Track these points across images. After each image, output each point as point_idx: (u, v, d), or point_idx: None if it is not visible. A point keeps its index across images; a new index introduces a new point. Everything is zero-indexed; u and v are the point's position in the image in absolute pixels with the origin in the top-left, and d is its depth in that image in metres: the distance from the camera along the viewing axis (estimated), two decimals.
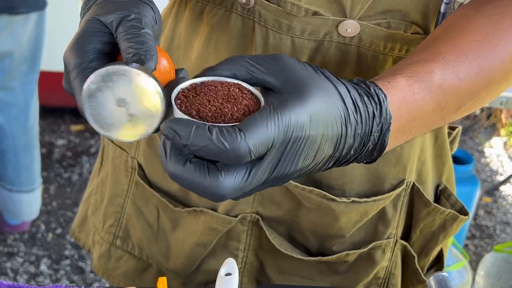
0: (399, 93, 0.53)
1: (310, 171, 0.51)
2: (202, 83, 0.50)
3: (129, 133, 0.49)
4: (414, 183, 0.77)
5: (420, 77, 0.54)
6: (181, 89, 0.50)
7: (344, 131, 0.49)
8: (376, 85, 0.52)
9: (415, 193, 0.77)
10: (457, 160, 1.99)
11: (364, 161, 0.54)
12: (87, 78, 0.48)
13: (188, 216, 0.78)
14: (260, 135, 0.45)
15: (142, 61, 0.49)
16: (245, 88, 0.50)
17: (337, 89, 0.49)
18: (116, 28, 0.52)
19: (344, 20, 0.65)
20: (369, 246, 0.76)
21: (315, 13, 0.65)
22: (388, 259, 0.79)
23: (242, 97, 0.49)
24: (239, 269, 0.77)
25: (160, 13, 0.58)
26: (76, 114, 2.88)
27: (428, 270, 0.83)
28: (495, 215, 2.60)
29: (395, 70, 0.55)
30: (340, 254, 0.76)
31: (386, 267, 0.79)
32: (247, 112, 0.48)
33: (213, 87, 0.49)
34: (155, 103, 0.48)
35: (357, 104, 0.50)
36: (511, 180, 2.79)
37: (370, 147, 0.52)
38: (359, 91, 0.50)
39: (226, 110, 0.47)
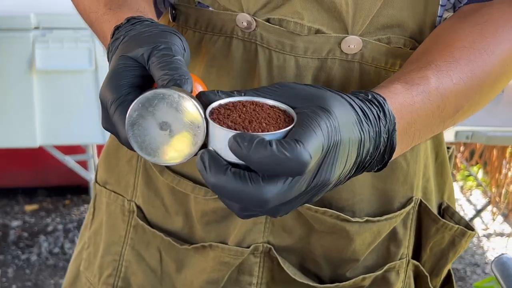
0: (398, 96, 0.55)
1: (340, 181, 0.51)
2: (231, 102, 0.51)
3: (175, 156, 0.50)
4: (421, 200, 0.76)
5: (416, 82, 0.57)
6: (212, 107, 0.51)
7: (362, 135, 0.50)
8: (374, 92, 0.54)
9: (422, 211, 0.76)
10: None
11: (376, 168, 0.55)
12: (127, 111, 0.50)
13: (195, 254, 0.75)
14: (314, 143, 0.46)
15: (178, 85, 0.51)
16: (272, 104, 0.51)
17: (345, 99, 0.51)
18: (147, 59, 0.54)
19: (347, 36, 0.66)
20: (384, 269, 0.74)
21: (317, 31, 0.66)
22: (402, 280, 0.77)
23: (273, 111, 0.50)
24: None
25: None
26: (29, 194, 2.79)
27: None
28: (464, 258, 2.61)
29: (391, 80, 0.58)
30: (356, 279, 0.73)
31: None
32: (282, 124, 0.48)
33: (242, 105, 0.51)
34: (197, 121, 0.49)
35: (364, 110, 0.51)
36: (473, 223, 2.83)
37: (381, 150, 0.53)
38: (360, 98, 0.53)
39: (264, 123, 0.48)
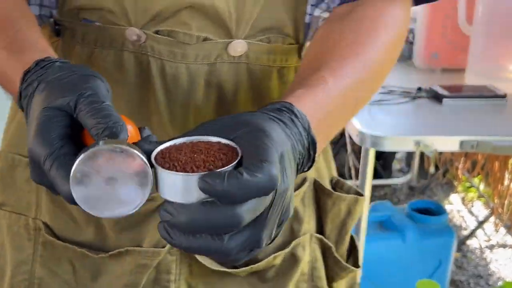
0: (303, 99, 0.60)
1: (293, 188, 0.54)
2: (174, 145, 0.52)
3: (125, 208, 0.50)
4: (315, 179, 0.82)
5: (315, 83, 0.62)
6: (157, 153, 0.51)
7: (290, 140, 0.54)
8: (280, 101, 0.58)
9: (318, 188, 0.82)
10: (429, 212, 2.00)
11: (307, 167, 0.58)
12: (63, 165, 0.50)
13: (111, 261, 0.75)
14: (274, 157, 0.49)
15: (115, 134, 0.50)
16: (215, 141, 0.52)
17: (265, 114, 0.55)
18: (74, 108, 0.54)
19: (232, 41, 0.72)
20: (291, 246, 0.79)
21: (205, 39, 0.71)
22: (308, 254, 0.81)
23: (217, 146, 0.51)
24: None
25: None
26: None
27: (348, 257, 0.86)
28: (467, 269, 2.60)
29: (292, 87, 0.63)
30: (268, 259, 0.77)
31: (309, 262, 0.81)
32: (230, 156, 0.50)
33: (186, 146, 0.52)
34: (143, 171, 0.49)
35: (280, 119, 0.55)
36: (476, 234, 2.82)
37: (307, 147, 0.57)
38: (271, 110, 0.56)
39: (212, 159, 0.49)
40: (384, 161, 3.19)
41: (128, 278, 0.74)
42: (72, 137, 0.54)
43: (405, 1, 0.74)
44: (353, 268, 0.83)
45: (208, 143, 0.52)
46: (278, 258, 0.77)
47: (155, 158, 0.51)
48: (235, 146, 0.51)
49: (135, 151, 0.49)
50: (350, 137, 2.68)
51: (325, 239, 0.82)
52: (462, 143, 1.62)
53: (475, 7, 1.95)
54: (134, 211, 0.50)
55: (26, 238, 0.79)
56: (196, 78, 0.72)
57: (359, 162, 3.04)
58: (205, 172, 0.48)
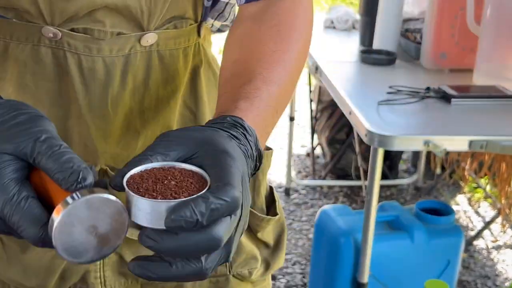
0: (248, 112, 0.65)
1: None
2: (145, 172, 0.55)
3: (107, 251, 0.53)
4: None
5: (253, 95, 0.68)
6: (128, 183, 0.54)
7: (245, 157, 0.59)
8: (231, 116, 0.63)
9: None
10: (437, 212, 2.00)
11: (254, 172, 0.63)
12: (27, 209, 0.52)
13: None
14: (237, 179, 0.53)
15: (84, 178, 0.53)
16: (181, 167, 0.56)
17: (223, 131, 0.59)
18: (31, 153, 0.54)
19: (145, 34, 0.78)
20: None
21: (119, 33, 0.76)
22: None
23: (186, 173, 0.55)
24: (99, 266, 0.82)
25: None
26: None
27: (268, 208, 0.90)
28: (474, 270, 2.60)
29: (233, 99, 0.67)
30: None
31: None
32: (197, 181, 0.54)
33: (157, 171, 0.55)
34: (119, 213, 0.52)
35: (235, 135, 0.60)
36: (483, 234, 2.81)
37: (256, 159, 0.62)
38: (226, 125, 0.61)
39: (180, 186, 0.53)
40: (390, 161, 3.18)
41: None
42: (27, 180, 0.55)
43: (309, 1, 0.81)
44: (270, 217, 0.87)
45: (178, 170, 0.55)
46: None
47: (128, 184, 0.53)
48: (203, 173, 0.55)
49: (111, 196, 0.52)
50: (359, 136, 2.67)
51: None
52: (471, 143, 1.62)
53: (484, 7, 1.95)
54: (115, 251, 0.53)
55: None
56: (112, 69, 0.77)
57: (365, 162, 3.03)
58: (176, 200, 0.51)
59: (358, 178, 3.13)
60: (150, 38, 0.78)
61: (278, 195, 0.92)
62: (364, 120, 1.69)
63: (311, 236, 2.83)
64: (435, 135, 1.62)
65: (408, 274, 1.90)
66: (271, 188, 0.93)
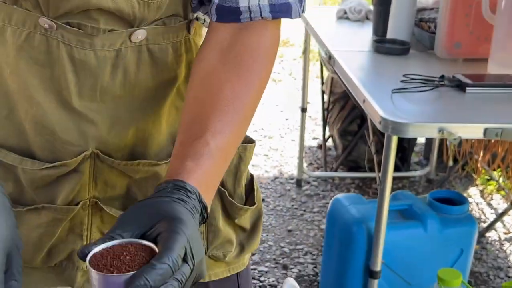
0: (193, 173, 0.72)
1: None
2: (107, 247, 0.66)
3: None
4: None
5: (200, 151, 0.74)
6: (92, 254, 0.65)
7: (192, 215, 0.68)
8: (175, 180, 0.71)
9: None
10: (451, 202, 1.99)
11: (204, 221, 0.73)
12: None
13: (28, 214, 0.85)
14: (180, 244, 0.64)
15: None
16: (138, 242, 0.67)
17: (173, 200, 0.68)
18: None
19: (135, 30, 0.82)
20: None
21: (111, 30, 0.80)
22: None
23: (139, 247, 0.66)
24: (85, 244, 0.88)
25: None
26: None
27: (247, 197, 0.98)
28: (486, 261, 2.59)
29: (182, 158, 0.74)
30: None
31: None
32: (148, 254, 0.65)
33: (112, 250, 0.66)
34: None
35: (179, 197, 0.69)
36: (495, 226, 2.80)
37: (202, 212, 0.71)
38: (174, 192, 0.70)
39: (133, 260, 0.65)
40: (402, 154, 3.17)
41: (45, 228, 0.85)
42: None
43: (276, 23, 0.84)
44: (248, 207, 0.95)
45: (134, 245, 0.66)
46: None
47: (90, 261, 0.64)
48: (153, 245, 0.66)
49: None
50: (371, 127, 2.66)
51: (219, 186, 0.92)
52: (486, 131, 1.62)
53: None
54: None
55: None
56: (103, 63, 0.81)
57: (377, 154, 3.03)
58: (128, 274, 0.62)
59: (371, 170, 3.12)
60: (140, 35, 0.82)
61: (258, 185, 1.00)
62: (378, 108, 1.68)
63: (322, 226, 2.83)
64: (450, 123, 1.62)
65: (421, 263, 1.89)
66: (252, 177, 1.00)
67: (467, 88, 1.81)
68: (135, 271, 0.63)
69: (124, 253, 0.66)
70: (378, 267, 1.81)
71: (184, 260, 0.64)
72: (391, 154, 1.69)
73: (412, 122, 1.62)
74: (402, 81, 1.88)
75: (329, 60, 2.26)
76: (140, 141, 0.87)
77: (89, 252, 0.65)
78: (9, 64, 0.82)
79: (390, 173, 1.70)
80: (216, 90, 0.80)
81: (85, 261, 0.65)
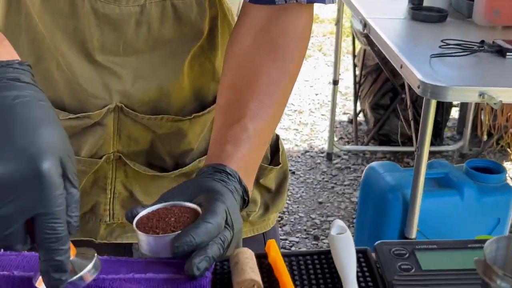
0: (232, 157, 0.74)
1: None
2: (153, 210, 0.69)
3: None
4: None
5: (239, 136, 0.76)
6: (138, 218, 0.68)
7: (232, 193, 0.71)
8: (216, 164, 0.73)
9: None
10: (488, 171, 1.96)
11: (244, 206, 0.75)
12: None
13: None
14: (221, 209, 0.67)
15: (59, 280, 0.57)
16: (182, 204, 0.69)
17: (210, 179, 0.71)
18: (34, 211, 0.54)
19: None
20: None
21: None
22: None
23: (183, 209, 0.69)
24: (109, 199, 0.89)
25: None
26: None
27: (272, 158, 0.97)
28: None
29: (221, 143, 0.76)
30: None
31: None
32: (193, 215, 0.68)
33: (158, 213, 0.69)
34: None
35: (220, 178, 0.71)
36: None
37: (242, 195, 0.73)
38: (216, 173, 0.72)
39: (178, 221, 0.67)
40: (435, 128, 3.13)
41: None
42: None
43: (310, 7, 0.84)
44: (272, 167, 0.96)
45: (178, 208, 0.69)
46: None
47: (137, 225, 0.67)
48: (197, 207, 0.68)
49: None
50: (404, 99, 2.62)
51: None
52: None
53: None
54: None
55: None
56: (127, 18, 0.81)
57: (409, 128, 2.99)
58: (174, 233, 0.65)
59: (404, 144, 3.09)
60: None
61: (284, 146, 0.99)
62: (416, 72, 1.66)
63: (353, 199, 2.81)
64: (491, 87, 1.59)
65: (457, 231, 1.87)
66: (277, 137, 0.99)
67: (507, 53, 1.77)
68: (180, 231, 0.65)
69: (169, 215, 0.68)
70: (413, 234, 1.79)
71: (225, 225, 0.66)
72: (429, 119, 1.66)
73: (451, 86, 1.59)
74: (440, 47, 1.84)
75: (363, 28, 2.23)
76: (163, 96, 0.86)
77: (135, 216, 0.67)
78: (35, 12, 0.82)
79: (428, 138, 1.68)
80: (252, 75, 0.80)
81: (132, 223, 0.67)
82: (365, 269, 0.68)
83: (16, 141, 0.52)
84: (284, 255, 0.69)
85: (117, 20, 0.81)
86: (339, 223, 0.73)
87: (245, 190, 0.74)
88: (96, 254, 0.62)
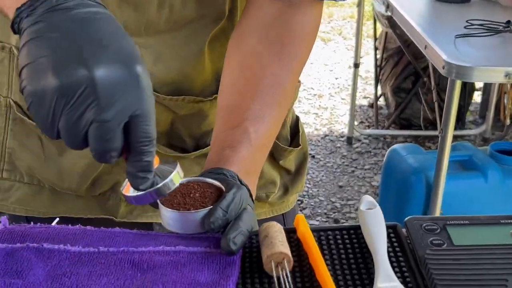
0: (231, 160, 0.73)
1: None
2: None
3: None
4: None
5: (239, 140, 0.75)
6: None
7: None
8: (216, 168, 0.72)
9: None
10: (508, 152, 1.93)
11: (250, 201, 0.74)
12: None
13: None
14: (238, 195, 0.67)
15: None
16: (207, 181, 0.69)
17: (229, 177, 0.71)
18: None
19: None
20: None
21: None
22: None
23: (205, 185, 0.68)
24: None
25: None
26: None
27: (292, 139, 0.96)
28: None
29: (220, 147, 0.76)
30: None
31: None
32: (215, 190, 0.68)
33: (185, 186, 0.68)
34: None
35: (220, 177, 0.71)
36: None
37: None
38: (209, 175, 0.72)
39: (204, 197, 0.67)
40: (457, 112, 3.09)
41: (91, 159, 0.83)
42: None
43: (321, 4, 0.82)
44: (292, 148, 0.94)
45: (196, 183, 0.68)
46: None
47: (161, 202, 0.66)
48: (217, 183, 0.68)
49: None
50: (435, 75, 2.59)
51: None
52: None
53: None
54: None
55: None
56: None
57: (432, 112, 2.96)
58: (206, 209, 0.64)
59: (425, 128, 3.06)
60: None
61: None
62: (441, 52, 1.63)
63: (374, 183, 2.80)
64: None
65: (480, 214, 1.85)
66: (297, 119, 0.97)
67: None
68: (211, 206, 0.64)
69: (192, 191, 0.67)
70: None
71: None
72: (454, 100, 1.64)
73: (476, 66, 1.57)
74: (465, 27, 1.81)
75: (386, 9, 2.20)
76: (184, 77, 0.86)
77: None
78: None
79: (453, 119, 1.66)
80: (256, 76, 0.79)
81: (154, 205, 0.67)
82: (395, 244, 0.67)
83: (109, 46, 0.55)
84: (313, 230, 0.69)
85: (139, 0, 0.80)
86: (368, 198, 0.72)
87: (246, 185, 0.73)
88: (178, 164, 0.64)
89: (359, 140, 3.15)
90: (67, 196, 0.89)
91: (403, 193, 1.89)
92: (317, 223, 2.54)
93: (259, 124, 0.77)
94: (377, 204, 0.71)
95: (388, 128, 3.19)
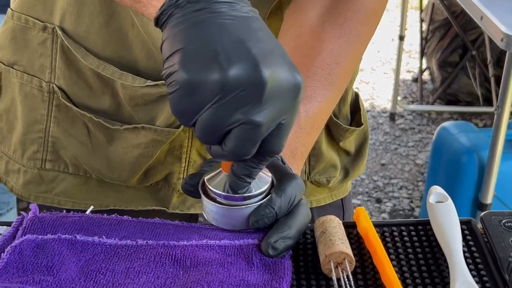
0: None
1: None
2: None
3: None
4: None
5: None
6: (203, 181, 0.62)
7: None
8: None
9: None
10: None
11: None
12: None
13: (125, 132, 0.80)
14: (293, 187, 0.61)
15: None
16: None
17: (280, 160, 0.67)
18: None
19: None
20: None
21: None
22: None
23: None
24: (183, 168, 0.82)
25: None
26: None
27: (353, 116, 0.89)
28: None
29: None
30: None
31: None
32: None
33: None
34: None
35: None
36: None
37: None
38: None
39: None
40: None
41: (144, 150, 0.80)
42: None
43: None
44: (354, 128, 0.87)
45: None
46: None
47: (203, 189, 0.61)
48: (265, 173, 0.61)
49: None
50: (475, 56, 2.46)
51: None
52: None
53: None
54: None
55: (40, 99, 0.82)
56: None
57: (480, 87, 2.83)
58: (252, 205, 0.59)
59: (472, 104, 2.93)
60: None
61: (364, 105, 0.91)
62: (500, 24, 1.52)
63: (418, 161, 2.69)
64: None
65: None
66: (357, 95, 0.91)
67: None
68: (260, 200, 0.59)
69: None
70: (489, 199, 1.68)
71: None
72: None
73: None
74: None
75: None
76: None
77: (195, 184, 0.62)
78: None
79: (510, 96, 1.55)
80: (314, 51, 0.73)
81: (189, 192, 0.63)
82: (470, 243, 0.59)
83: (275, 50, 0.52)
84: (376, 225, 0.61)
85: None
86: (438, 189, 0.64)
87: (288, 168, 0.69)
88: (271, 179, 0.61)
89: (403, 116, 3.04)
90: (116, 186, 0.84)
91: (454, 174, 1.80)
92: (358, 202, 2.46)
93: (311, 104, 0.72)
94: (449, 197, 0.63)
95: (433, 103, 3.07)
